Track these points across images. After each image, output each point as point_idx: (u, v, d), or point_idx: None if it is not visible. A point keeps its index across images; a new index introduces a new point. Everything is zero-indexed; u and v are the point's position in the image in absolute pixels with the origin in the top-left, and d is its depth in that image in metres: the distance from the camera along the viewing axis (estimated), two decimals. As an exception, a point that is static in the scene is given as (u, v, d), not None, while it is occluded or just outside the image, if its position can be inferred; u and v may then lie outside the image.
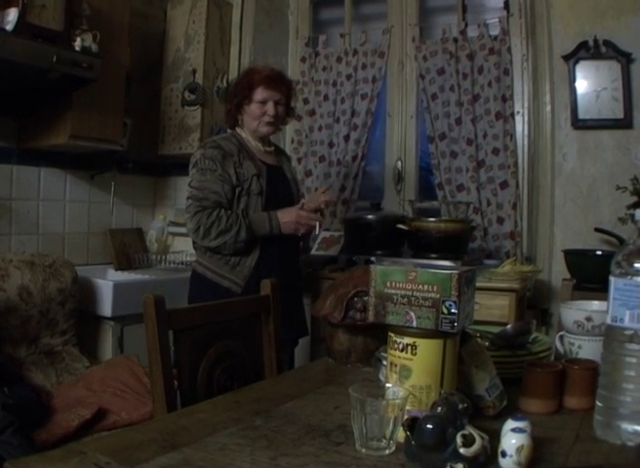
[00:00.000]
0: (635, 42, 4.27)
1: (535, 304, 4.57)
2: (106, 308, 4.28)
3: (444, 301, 1.57)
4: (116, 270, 5.00)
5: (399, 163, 5.19)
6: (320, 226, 3.84)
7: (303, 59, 5.50)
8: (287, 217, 3.62)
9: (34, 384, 3.79)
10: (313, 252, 4.83)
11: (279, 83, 3.72)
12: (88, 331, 4.38)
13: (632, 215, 1.65)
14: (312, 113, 5.41)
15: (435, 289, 1.58)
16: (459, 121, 4.79)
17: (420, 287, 1.59)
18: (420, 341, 1.58)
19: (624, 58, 4.29)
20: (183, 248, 5.12)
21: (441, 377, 1.58)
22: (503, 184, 4.63)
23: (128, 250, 5.16)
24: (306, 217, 3.67)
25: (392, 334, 1.63)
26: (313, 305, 2.55)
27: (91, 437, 3.13)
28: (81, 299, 4.30)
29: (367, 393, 1.53)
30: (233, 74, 5.05)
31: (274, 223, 3.59)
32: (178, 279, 4.39)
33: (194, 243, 3.70)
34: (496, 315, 3.77)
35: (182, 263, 5.05)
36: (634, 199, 3.96)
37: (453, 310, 1.56)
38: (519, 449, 1.37)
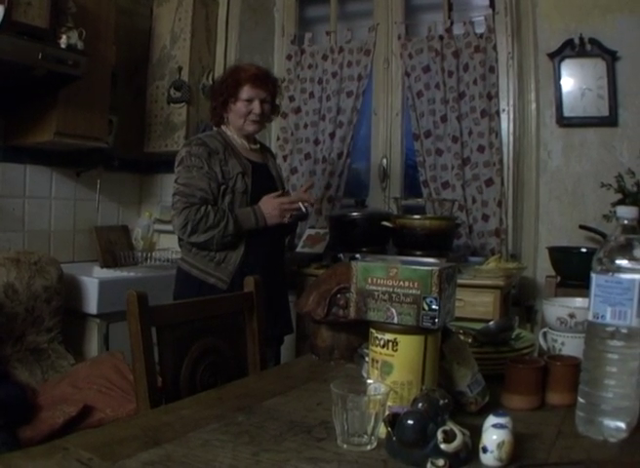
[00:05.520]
0: (621, 40, 4.29)
1: (520, 301, 4.59)
2: (92, 305, 4.27)
3: (425, 298, 1.57)
4: (102, 267, 4.98)
5: (384, 160, 5.20)
6: (306, 208, 3.82)
7: (289, 57, 5.51)
8: (269, 208, 3.62)
9: (20, 381, 3.79)
10: (299, 249, 4.84)
11: (265, 81, 3.72)
12: (73, 329, 4.37)
13: (615, 212, 1.65)
14: (298, 111, 5.42)
15: (416, 285, 1.58)
16: (444, 118, 4.80)
17: (401, 283, 1.60)
18: (401, 337, 1.58)
19: (610, 57, 4.31)
20: (169, 245, 5.10)
21: (422, 373, 1.59)
22: (489, 182, 4.64)
23: (114, 247, 5.15)
24: (288, 203, 3.68)
25: (373, 331, 1.63)
26: (297, 302, 2.56)
27: (76, 434, 3.13)
28: (67, 297, 4.29)
29: (348, 389, 1.53)
30: (219, 72, 5.04)
31: (259, 216, 3.59)
32: (163, 276, 4.40)
33: (180, 240, 3.69)
34: (480, 312, 3.78)
35: (168, 261, 5.04)
36: (619, 196, 3.98)
37: (434, 306, 1.56)
38: (500, 445, 1.38)
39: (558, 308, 2.14)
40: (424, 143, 4.87)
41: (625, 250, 1.57)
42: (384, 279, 1.62)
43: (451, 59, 4.79)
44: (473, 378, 1.73)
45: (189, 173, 3.54)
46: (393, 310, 1.60)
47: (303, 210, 3.74)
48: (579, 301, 2.20)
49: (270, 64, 5.55)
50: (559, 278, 4.04)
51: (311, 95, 5.37)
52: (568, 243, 4.31)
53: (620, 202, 3.91)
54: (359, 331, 2.19)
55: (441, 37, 4.85)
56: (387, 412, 1.51)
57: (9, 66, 3.82)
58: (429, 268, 1.59)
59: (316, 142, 5.32)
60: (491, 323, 2.22)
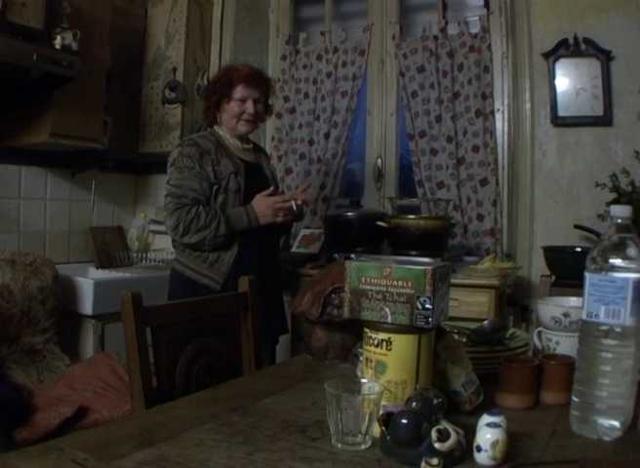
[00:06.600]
0: (615, 40, 4.29)
1: (515, 301, 4.59)
2: (87, 306, 4.26)
3: (418, 297, 1.57)
4: (97, 268, 4.98)
5: (379, 160, 5.21)
6: (299, 206, 3.80)
7: (284, 57, 5.50)
8: (262, 207, 3.61)
9: (15, 383, 3.78)
10: (294, 249, 4.84)
11: (259, 81, 3.71)
12: (69, 330, 4.37)
13: (610, 212, 1.65)
14: (292, 111, 5.41)
15: (409, 284, 1.58)
16: (439, 118, 4.80)
17: (395, 282, 1.60)
18: (394, 337, 1.58)
19: (604, 56, 4.30)
20: (164, 246, 5.11)
21: (416, 373, 1.59)
22: (483, 181, 4.64)
23: (109, 248, 5.15)
24: (281, 201, 3.67)
25: (367, 330, 1.63)
26: (291, 302, 2.56)
27: (71, 434, 3.13)
28: (62, 298, 4.28)
29: (343, 389, 1.53)
30: (214, 72, 5.04)
31: (252, 216, 3.58)
32: (159, 277, 4.40)
33: (173, 241, 3.69)
34: (475, 312, 3.78)
35: (163, 261, 5.04)
36: (613, 196, 3.98)
37: (427, 306, 1.56)
38: (494, 444, 1.38)
39: (552, 307, 2.14)
40: (419, 143, 4.87)
41: (619, 249, 1.58)
42: (378, 278, 1.62)
43: (445, 59, 4.79)
44: (467, 377, 1.73)
45: (181, 173, 3.53)
46: (387, 309, 1.60)
47: (294, 208, 3.72)
48: (573, 301, 2.20)
49: (265, 65, 5.55)
50: (554, 277, 4.03)
51: (306, 95, 5.36)
52: (563, 242, 4.30)
53: (615, 201, 3.90)
54: (353, 330, 2.20)
55: (435, 37, 4.85)
56: (381, 412, 1.51)
57: (3, 67, 3.81)
58: (423, 268, 1.59)
59: (311, 143, 5.32)
60: (485, 322, 2.22)
